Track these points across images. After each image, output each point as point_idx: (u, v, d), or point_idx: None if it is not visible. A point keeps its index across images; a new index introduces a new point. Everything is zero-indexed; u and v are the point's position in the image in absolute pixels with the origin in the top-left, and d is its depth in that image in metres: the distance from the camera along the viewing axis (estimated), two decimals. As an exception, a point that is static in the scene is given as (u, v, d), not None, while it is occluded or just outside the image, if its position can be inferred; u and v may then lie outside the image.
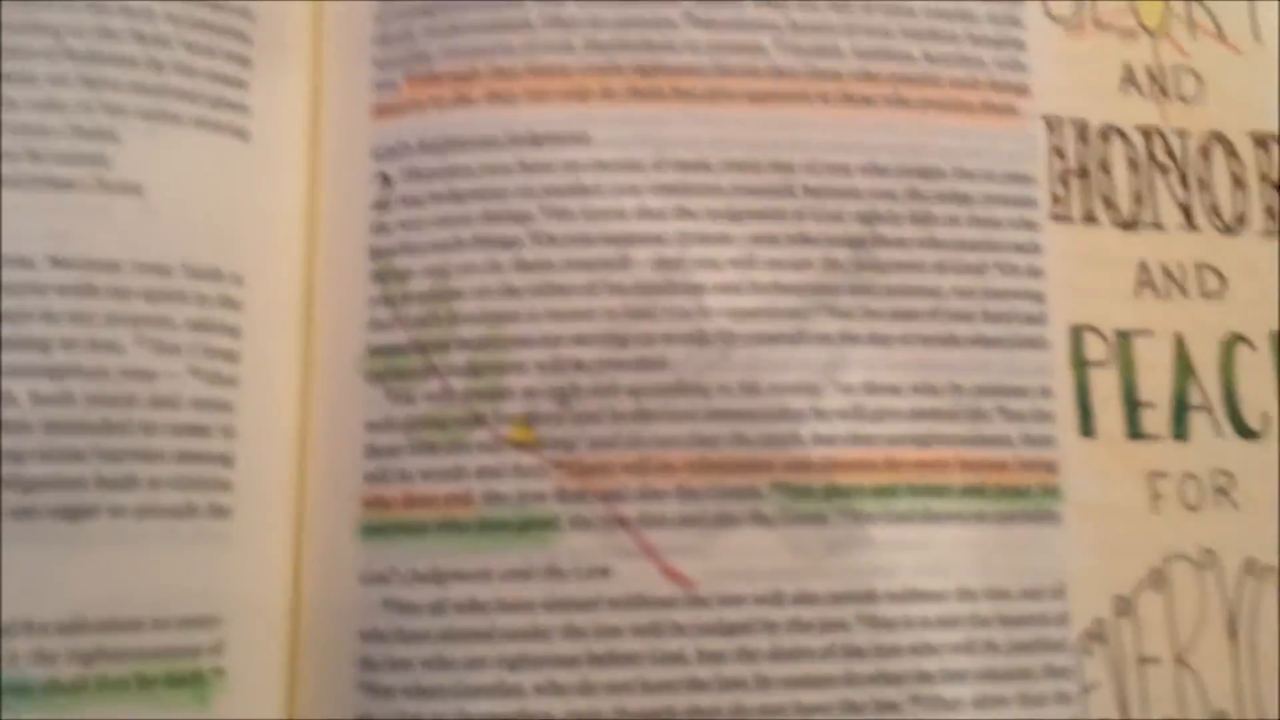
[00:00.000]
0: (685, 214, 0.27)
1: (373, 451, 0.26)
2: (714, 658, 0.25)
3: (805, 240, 0.27)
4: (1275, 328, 0.30)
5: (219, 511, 0.25)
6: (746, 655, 0.26)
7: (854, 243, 0.27)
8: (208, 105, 0.26)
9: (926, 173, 0.28)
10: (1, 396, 0.24)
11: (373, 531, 0.26)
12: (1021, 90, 0.29)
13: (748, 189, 0.27)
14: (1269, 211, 0.30)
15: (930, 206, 0.28)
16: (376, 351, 0.27)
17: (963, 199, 0.28)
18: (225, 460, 0.26)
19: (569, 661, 0.25)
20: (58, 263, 0.25)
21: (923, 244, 0.28)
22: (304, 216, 0.28)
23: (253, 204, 0.27)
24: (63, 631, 0.24)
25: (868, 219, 0.27)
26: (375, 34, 0.28)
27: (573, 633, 0.25)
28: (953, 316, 0.27)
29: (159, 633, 0.24)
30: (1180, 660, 0.28)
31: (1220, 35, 0.31)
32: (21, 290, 0.25)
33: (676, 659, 0.25)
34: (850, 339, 0.27)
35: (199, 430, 0.25)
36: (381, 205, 0.27)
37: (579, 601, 0.25)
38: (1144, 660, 0.28)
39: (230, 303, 0.26)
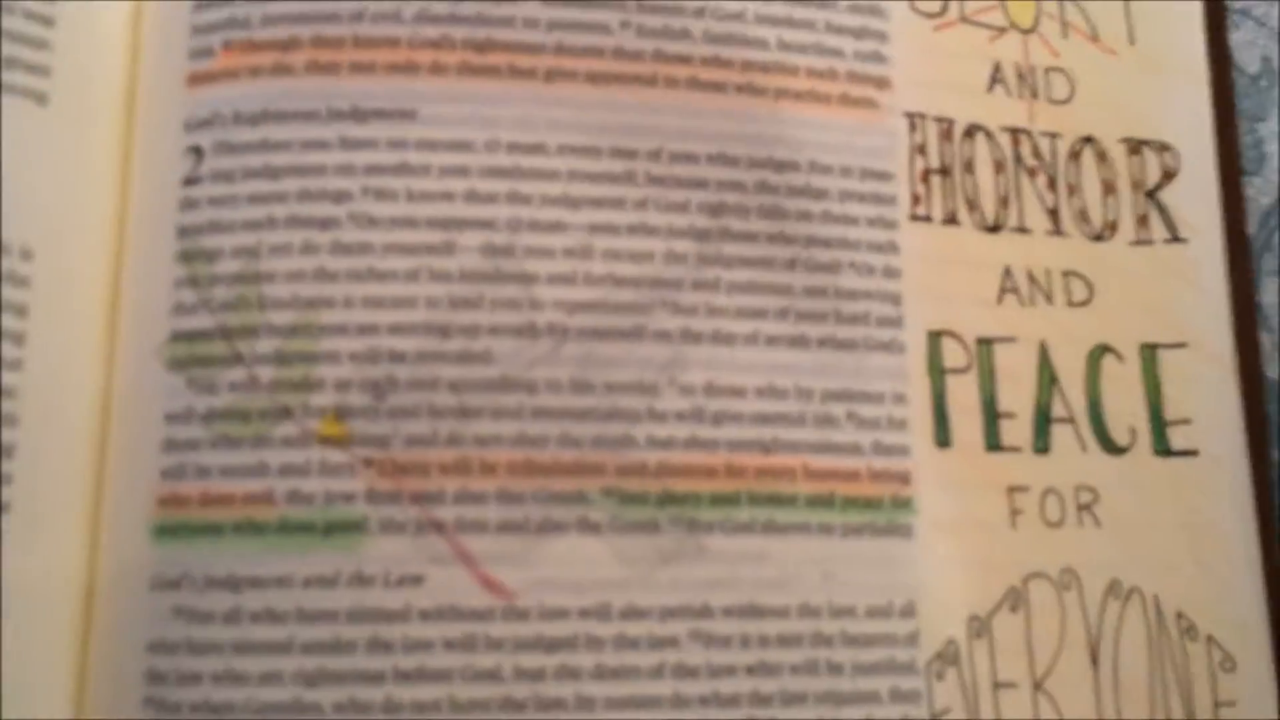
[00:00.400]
0: (518, 199, 0.25)
1: (170, 445, 0.24)
2: (532, 675, 0.24)
3: (647, 231, 0.26)
4: (1145, 339, 0.29)
5: (-9, 507, 0.23)
6: (568, 673, 0.24)
7: (699, 235, 0.26)
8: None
9: (779, 165, 0.27)
10: None
11: (166, 532, 0.24)
12: (882, 84, 0.28)
13: (586, 175, 0.26)
14: (1141, 220, 0.30)
15: (781, 200, 0.27)
16: (179, 337, 0.25)
17: (817, 194, 0.27)
18: (3, 451, 0.24)
19: (374, 678, 0.24)
20: None
21: (772, 239, 0.26)
22: (112, 190, 0.26)
23: (47, 174, 0.25)
24: None
25: (714, 211, 0.26)
26: (193, -4, 0.26)
27: (379, 646, 0.24)
28: (802, 316, 0.26)
29: (-86, 640, 0.22)
30: (1038, 686, 0.27)
31: (1094, 36, 0.30)
32: None
33: (491, 676, 0.24)
34: (691, 337, 0.26)
35: (-27, 418, 0.23)
36: (191, 180, 0.25)
37: (387, 612, 0.24)
38: (1000, 685, 0.26)
39: (16, 279, 0.24)
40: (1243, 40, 0.33)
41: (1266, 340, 0.32)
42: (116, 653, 0.24)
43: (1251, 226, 0.32)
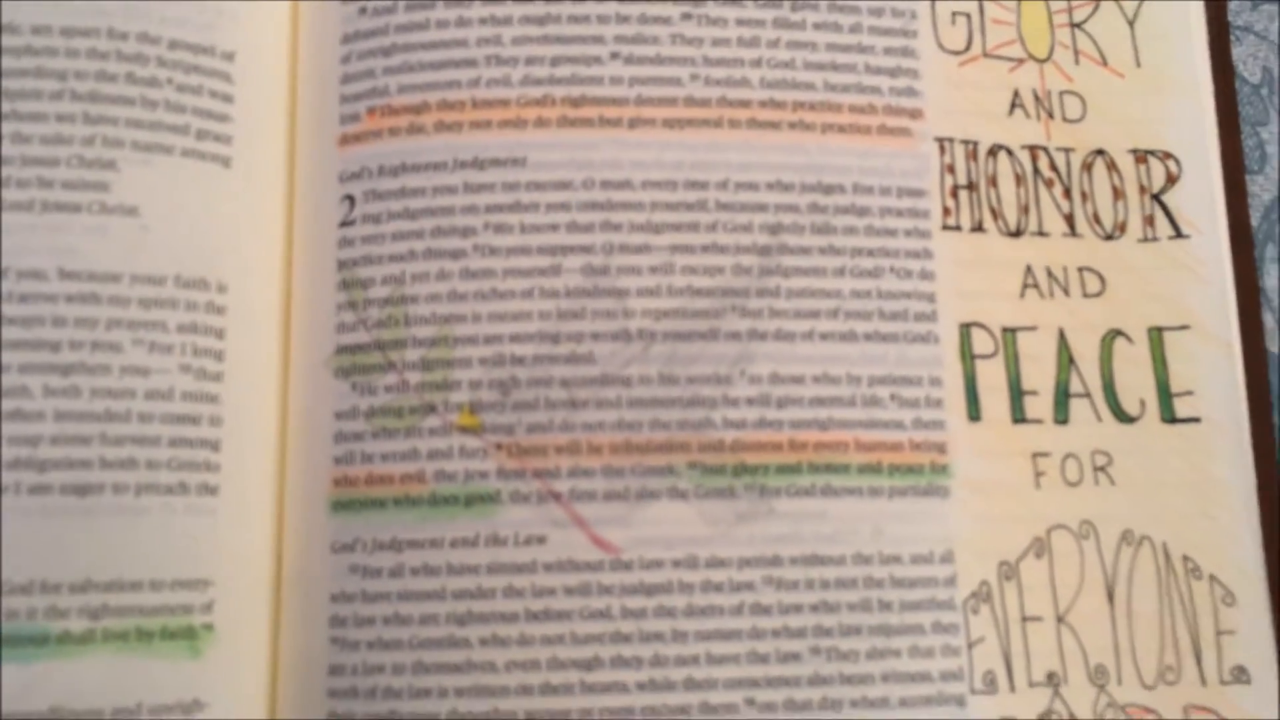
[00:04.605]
0: (610, 227, 0.34)
1: (340, 437, 0.33)
2: (636, 614, 0.32)
3: (717, 249, 0.34)
4: (1152, 323, 0.36)
5: (207, 489, 0.32)
6: (665, 612, 0.32)
7: (761, 251, 0.34)
8: (194, 137, 0.34)
9: (827, 188, 0.35)
10: (19, 390, 0.31)
11: (341, 506, 0.33)
12: (915, 114, 0.36)
13: (666, 205, 0.34)
14: (1147, 220, 0.37)
15: (830, 218, 0.35)
16: (343, 350, 0.34)
17: (860, 211, 0.35)
18: (212, 445, 0.33)
19: (510, 617, 0.32)
20: (65, 275, 0.32)
21: (823, 251, 0.35)
22: (281, 232, 0.35)
23: (234, 222, 0.34)
24: (73, 590, 0.31)
25: (773, 230, 0.35)
26: (341, 72, 0.35)
27: (513, 593, 0.32)
28: (851, 315, 0.34)
29: (156, 593, 0.31)
30: (1061, 619, 0.34)
31: (1103, 61, 0.38)
32: (34, 299, 0.32)
33: (603, 615, 0.32)
34: (757, 336, 0.34)
35: (189, 419, 0.32)
36: (347, 223, 0.34)
37: (518, 565, 0.32)
38: (1027, 619, 0.34)
39: (215, 308, 0.33)
40: (1245, 53, 0.41)
41: (1269, 320, 0.39)
42: (306, 602, 0.33)
43: (1255, 219, 0.40)
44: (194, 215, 0.33)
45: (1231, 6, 0.41)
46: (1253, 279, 0.38)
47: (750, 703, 0.32)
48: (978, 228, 0.36)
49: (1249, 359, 0.37)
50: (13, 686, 0.30)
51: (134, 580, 0.31)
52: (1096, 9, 0.38)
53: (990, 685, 0.33)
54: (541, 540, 0.33)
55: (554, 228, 0.34)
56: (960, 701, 0.33)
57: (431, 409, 0.33)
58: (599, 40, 0.35)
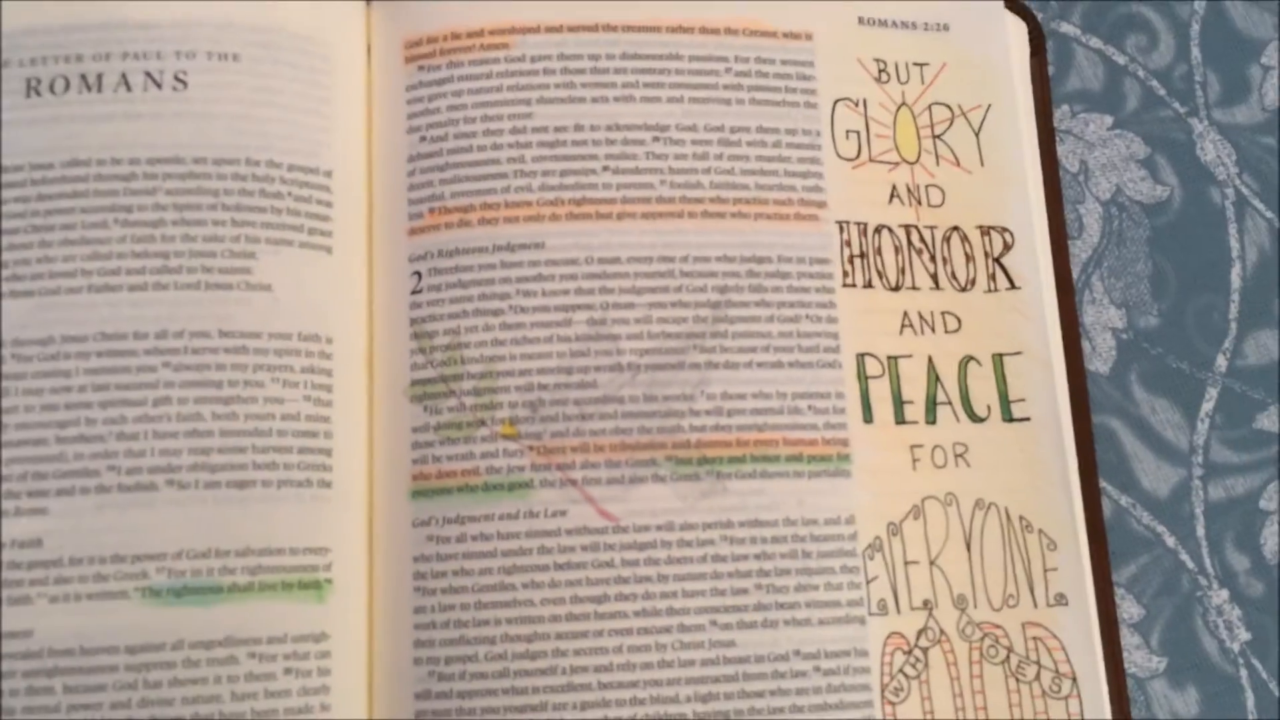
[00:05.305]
0: (606, 291, 0.48)
1: (416, 444, 0.47)
2: (631, 563, 0.46)
3: (682, 305, 0.48)
4: (995, 350, 0.51)
5: (324, 484, 0.46)
6: (651, 562, 0.46)
7: (713, 305, 0.49)
8: (307, 233, 0.47)
9: (760, 259, 0.49)
10: (194, 415, 0.45)
11: (418, 494, 0.47)
12: (821, 205, 0.50)
13: (645, 274, 0.48)
14: (990, 276, 0.52)
15: (762, 281, 0.49)
16: (416, 382, 0.47)
17: (784, 275, 0.49)
18: (326, 452, 0.46)
19: (543, 568, 0.46)
20: (223, 334, 0.46)
21: (758, 305, 0.49)
22: (367, 299, 0.49)
23: (336, 293, 0.48)
24: (238, 555, 0.44)
25: (722, 290, 0.49)
26: (408, 183, 0.49)
27: (544, 551, 0.46)
28: (778, 349, 0.49)
29: (294, 556, 0.45)
30: (933, 562, 0.49)
31: (957, 162, 0.52)
32: (203, 351, 0.45)
33: (608, 565, 0.46)
34: (712, 365, 0.48)
35: (310, 434, 0.46)
36: (416, 291, 0.48)
37: (547, 532, 0.46)
38: (909, 563, 0.48)
39: (325, 355, 0.47)
40: (1066, 150, 0.56)
41: (1086, 346, 0.54)
42: (394, 563, 0.46)
43: (1075, 272, 0.55)
44: (309, 289, 0.47)
45: (1055, 114, 0.56)
46: (1074, 316, 0.53)
47: (713, 623, 0.46)
48: (868, 285, 0.50)
49: (1072, 376, 0.52)
50: (198, 621, 0.44)
51: (279, 547, 0.45)
52: (951, 124, 0.53)
53: (883, 609, 0.48)
54: (563, 513, 0.46)
55: (565, 292, 0.48)
56: (862, 621, 0.47)
57: (482, 423, 0.47)
58: (594, 158, 0.49)
